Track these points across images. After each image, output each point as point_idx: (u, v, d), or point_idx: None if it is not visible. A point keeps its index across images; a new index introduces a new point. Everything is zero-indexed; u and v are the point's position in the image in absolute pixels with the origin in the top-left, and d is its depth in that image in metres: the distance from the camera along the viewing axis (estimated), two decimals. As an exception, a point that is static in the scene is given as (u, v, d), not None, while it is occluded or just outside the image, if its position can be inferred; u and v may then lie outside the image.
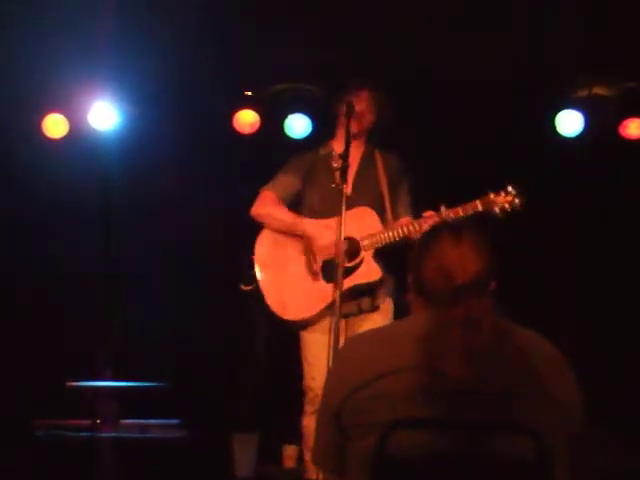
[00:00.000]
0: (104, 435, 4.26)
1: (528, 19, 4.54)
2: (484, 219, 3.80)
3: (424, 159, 4.87)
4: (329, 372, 2.13)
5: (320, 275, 3.94)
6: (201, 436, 4.37)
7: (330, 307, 3.86)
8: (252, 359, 5.31)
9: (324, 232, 3.87)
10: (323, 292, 3.87)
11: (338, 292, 3.42)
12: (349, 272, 3.80)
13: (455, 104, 5.11)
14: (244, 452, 4.70)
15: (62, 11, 4.48)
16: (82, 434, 4.22)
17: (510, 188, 3.84)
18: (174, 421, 4.49)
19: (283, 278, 3.99)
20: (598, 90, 5.24)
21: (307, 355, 3.96)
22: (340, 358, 2.07)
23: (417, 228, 3.79)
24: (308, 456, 3.91)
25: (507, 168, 5.12)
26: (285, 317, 3.96)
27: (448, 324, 1.82)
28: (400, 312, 3.81)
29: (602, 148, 5.23)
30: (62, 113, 5.32)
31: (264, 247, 4.06)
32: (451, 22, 4.62)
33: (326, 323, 3.87)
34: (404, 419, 1.80)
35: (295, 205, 4.10)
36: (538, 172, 5.12)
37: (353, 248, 3.85)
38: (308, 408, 3.91)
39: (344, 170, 3.56)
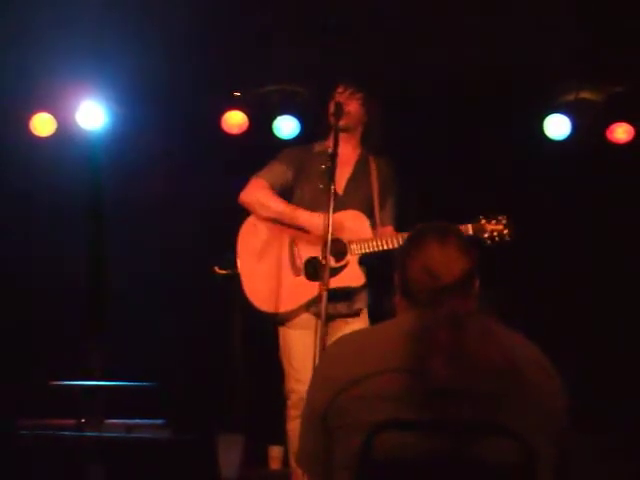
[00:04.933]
0: (88, 435, 4.25)
1: (515, 24, 4.54)
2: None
3: (413, 165, 4.88)
4: (315, 372, 2.11)
5: (302, 271, 3.89)
6: (186, 437, 4.36)
7: (309, 304, 3.85)
8: (238, 359, 5.30)
9: (319, 224, 3.78)
10: (303, 288, 3.84)
11: (325, 291, 3.38)
12: (333, 273, 3.69)
13: (442, 109, 5.13)
14: (229, 453, 4.69)
15: (50, 10, 4.47)
16: (66, 433, 4.21)
17: (502, 218, 3.85)
18: (159, 421, 4.49)
19: (264, 268, 3.92)
20: (585, 94, 5.26)
21: (289, 355, 3.88)
22: (327, 358, 2.06)
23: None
24: (293, 460, 3.88)
25: (495, 171, 5.16)
26: (261, 307, 3.88)
27: (433, 325, 1.81)
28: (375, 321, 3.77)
29: (589, 152, 5.25)
30: (50, 112, 5.31)
31: (249, 235, 3.98)
32: (441, 29, 4.63)
33: (305, 321, 3.85)
34: (389, 420, 1.79)
35: (284, 197, 4.02)
36: (526, 175, 5.14)
37: (340, 250, 3.81)
38: (292, 412, 3.81)
39: (332, 170, 3.54)
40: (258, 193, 3.99)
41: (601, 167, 5.24)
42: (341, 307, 3.87)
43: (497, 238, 3.83)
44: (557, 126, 5.26)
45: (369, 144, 4.09)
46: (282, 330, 3.93)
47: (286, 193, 4.03)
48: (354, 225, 3.88)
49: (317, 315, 3.79)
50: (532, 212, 4.99)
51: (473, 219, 3.84)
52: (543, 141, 5.25)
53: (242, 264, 3.95)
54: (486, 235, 3.82)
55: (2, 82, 4.99)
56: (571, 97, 5.25)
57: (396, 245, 3.78)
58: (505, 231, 3.84)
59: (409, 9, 4.44)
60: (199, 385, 5.19)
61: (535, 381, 1.85)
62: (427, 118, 5.15)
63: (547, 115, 5.25)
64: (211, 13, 4.48)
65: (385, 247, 3.81)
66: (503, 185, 5.17)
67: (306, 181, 4.00)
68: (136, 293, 5.23)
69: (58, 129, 5.33)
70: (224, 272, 4.00)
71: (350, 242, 3.85)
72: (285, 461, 4.91)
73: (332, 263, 3.69)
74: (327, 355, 2.09)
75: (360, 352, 1.91)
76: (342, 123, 3.83)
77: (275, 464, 5.05)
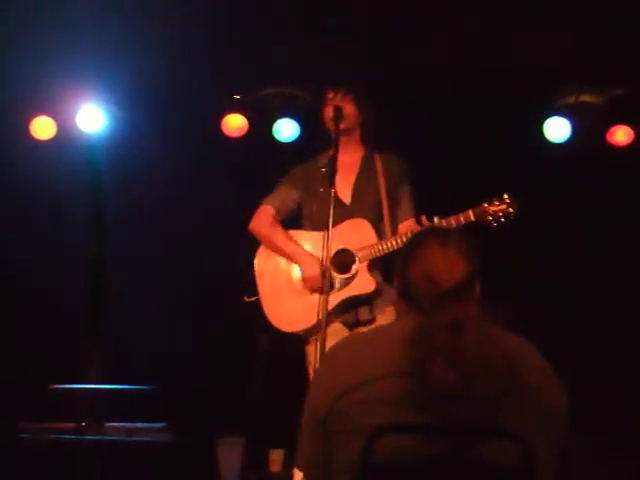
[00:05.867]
0: (89, 438, 4.24)
1: (515, 27, 4.54)
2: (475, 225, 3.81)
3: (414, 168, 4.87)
4: (315, 377, 2.11)
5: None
6: (187, 440, 4.35)
7: (329, 316, 3.88)
8: (238, 363, 5.29)
9: (317, 274, 3.83)
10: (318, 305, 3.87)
11: (323, 299, 3.45)
12: (344, 284, 3.85)
13: (443, 112, 5.12)
14: (230, 456, 4.69)
15: (50, 13, 4.47)
16: (67, 437, 4.20)
17: (504, 196, 3.82)
18: (160, 424, 4.48)
19: (281, 290, 4.00)
20: (585, 97, 5.26)
21: (315, 362, 3.88)
22: (327, 363, 2.06)
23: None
24: None
25: (495, 174, 5.15)
26: (282, 329, 3.97)
27: (433, 329, 1.81)
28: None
29: (589, 155, 5.25)
30: (50, 115, 5.31)
31: (263, 259, 4.08)
32: (441, 29, 4.63)
33: (336, 330, 3.86)
34: (390, 424, 1.79)
35: (296, 216, 4.11)
36: (525, 178, 5.13)
37: (348, 260, 3.87)
38: None
39: (331, 175, 3.59)
40: (265, 227, 4.06)
41: (601, 170, 5.24)
42: (363, 313, 3.91)
43: (503, 218, 3.80)
44: (557, 129, 5.26)
45: (370, 140, 4.11)
46: (306, 348, 3.97)
47: (296, 212, 4.11)
48: (358, 233, 3.91)
49: (347, 324, 3.86)
50: (532, 215, 4.98)
51: (474, 204, 3.81)
52: (543, 144, 5.25)
53: (261, 289, 4.03)
54: (490, 217, 3.79)
55: (2, 85, 4.98)
56: (571, 100, 5.25)
57: (401, 245, 3.81)
58: (510, 209, 3.80)
59: (409, 9, 4.44)
60: (200, 388, 5.18)
61: (534, 383, 1.85)
62: (427, 118, 5.15)
63: (547, 118, 5.25)
64: (211, 16, 4.48)
65: (391, 249, 3.84)
66: (503, 187, 5.15)
67: (313, 195, 4.04)
68: (136, 295, 5.22)
69: (58, 132, 5.32)
70: (252, 300, 4.04)
71: (356, 250, 3.89)
72: (285, 464, 4.92)
73: (342, 275, 3.84)
74: (327, 360, 2.08)
75: (360, 356, 1.91)
76: (342, 127, 3.86)
77: (275, 467, 5.05)
